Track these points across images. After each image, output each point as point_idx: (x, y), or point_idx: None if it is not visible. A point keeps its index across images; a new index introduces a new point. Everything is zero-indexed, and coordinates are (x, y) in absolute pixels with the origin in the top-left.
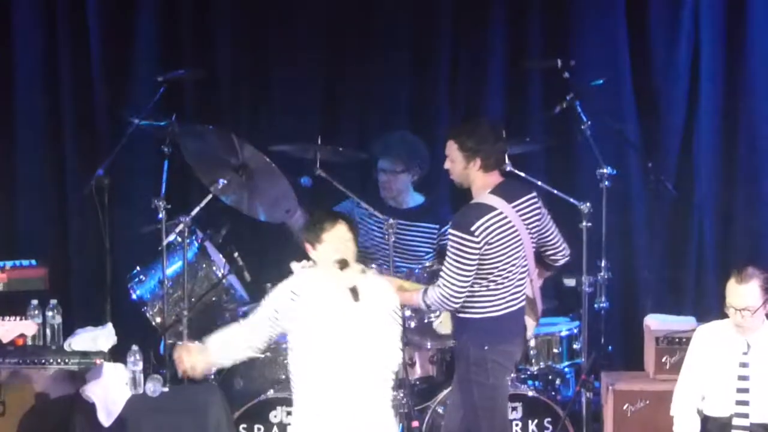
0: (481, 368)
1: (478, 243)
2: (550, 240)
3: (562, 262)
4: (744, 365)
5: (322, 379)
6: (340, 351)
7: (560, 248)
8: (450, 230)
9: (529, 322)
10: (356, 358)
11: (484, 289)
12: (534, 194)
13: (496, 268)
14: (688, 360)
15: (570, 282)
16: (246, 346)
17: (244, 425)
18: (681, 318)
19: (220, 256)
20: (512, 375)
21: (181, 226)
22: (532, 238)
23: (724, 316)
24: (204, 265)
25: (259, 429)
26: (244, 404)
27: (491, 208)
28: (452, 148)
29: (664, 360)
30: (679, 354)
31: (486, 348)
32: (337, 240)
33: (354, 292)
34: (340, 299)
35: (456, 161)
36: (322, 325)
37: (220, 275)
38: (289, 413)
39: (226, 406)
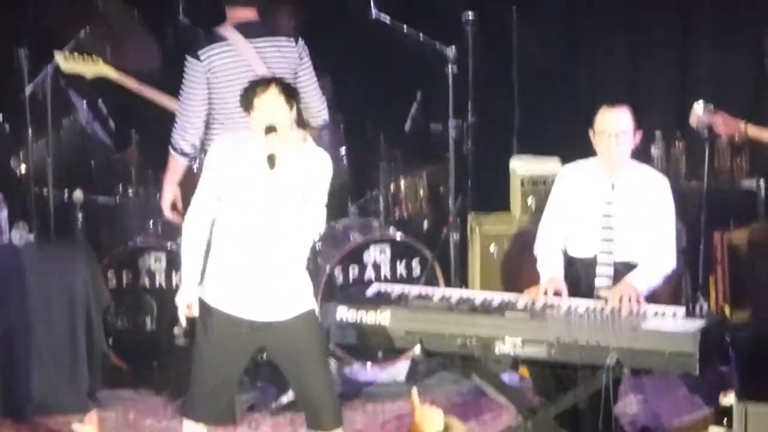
0: None
1: (203, 68)
2: (306, 95)
3: (313, 124)
4: (608, 203)
5: (237, 240)
6: (255, 216)
7: (313, 107)
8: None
9: None
10: (270, 225)
11: (220, 126)
12: (292, 39)
13: (228, 102)
14: (551, 200)
15: (436, 127)
16: (210, 222)
17: (112, 272)
18: (546, 159)
19: (84, 103)
20: (381, 219)
21: (43, 75)
22: None
23: (589, 155)
24: (68, 113)
25: (127, 276)
26: (112, 252)
27: (221, 38)
28: None
29: (529, 201)
30: (544, 195)
31: None
32: (266, 106)
33: (270, 160)
34: (258, 166)
35: None
36: (240, 189)
37: (84, 123)
38: (156, 260)
39: (93, 254)
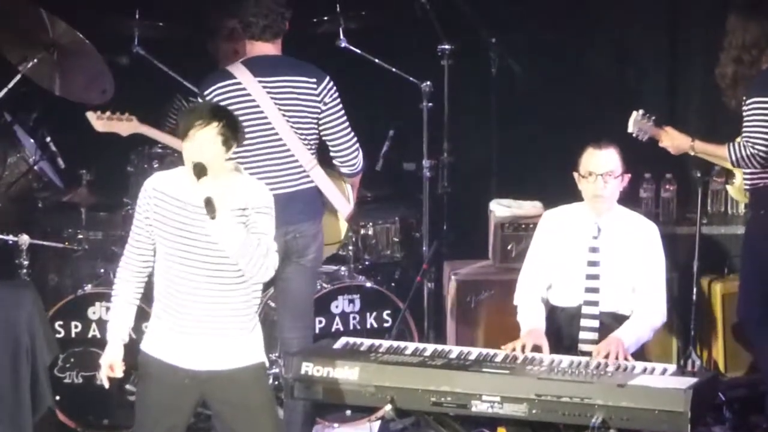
0: None
1: None
2: (331, 142)
3: (343, 170)
4: (594, 250)
5: (177, 286)
6: (196, 259)
7: (341, 155)
8: None
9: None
10: (213, 268)
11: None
12: (314, 80)
13: None
14: (533, 246)
15: (410, 166)
16: (145, 273)
17: (60, 322)
18: (527, 203)
19: (32, 141)
20: (350, 266)
21: None
22: (293, 124)
23: (572, 201)
24: (14, 151)
25: (76, 327)
26: (60, 300)
27: (229, 76)
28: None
29: (509, 247)
30: (525, 241)
31: None
32: (201, 140)
33: (209, 205)
34: (197, 207)
35: None
36: (178, 229)
37: (31, 162)
38: (107, 309)
39: (39, 303)
